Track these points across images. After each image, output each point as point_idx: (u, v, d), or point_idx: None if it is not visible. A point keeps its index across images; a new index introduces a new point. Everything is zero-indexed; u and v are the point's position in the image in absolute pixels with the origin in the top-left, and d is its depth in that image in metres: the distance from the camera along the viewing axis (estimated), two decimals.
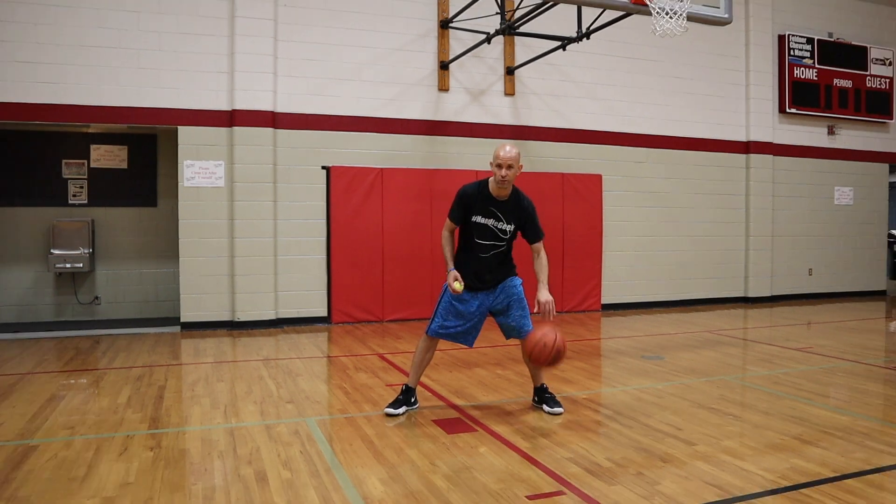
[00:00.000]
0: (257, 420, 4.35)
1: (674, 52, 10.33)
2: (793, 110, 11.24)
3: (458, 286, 4.19)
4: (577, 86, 9.86)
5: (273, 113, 8.32)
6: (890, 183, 12.75)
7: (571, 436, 3.98)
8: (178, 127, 8.06)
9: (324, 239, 8.62)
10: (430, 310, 4.52)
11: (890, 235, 13.43)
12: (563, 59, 9.35)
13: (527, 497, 3.08)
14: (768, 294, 11.20)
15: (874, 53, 11.89)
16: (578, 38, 7.72)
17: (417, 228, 8.85)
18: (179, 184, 8.09)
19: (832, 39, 11.57)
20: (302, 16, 8.48)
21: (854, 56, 11.70)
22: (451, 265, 4.32)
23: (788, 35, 11.16)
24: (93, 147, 8.79)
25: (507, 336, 4.54)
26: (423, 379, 5.24)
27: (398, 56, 8.89)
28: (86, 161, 8.77)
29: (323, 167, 8.58)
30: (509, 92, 9.44)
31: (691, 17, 6.48)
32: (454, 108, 9.19)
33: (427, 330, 4.45)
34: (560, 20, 8.51)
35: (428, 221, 8.86)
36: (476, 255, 4.33)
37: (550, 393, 4.59)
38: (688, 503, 3.01)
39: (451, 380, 5.47)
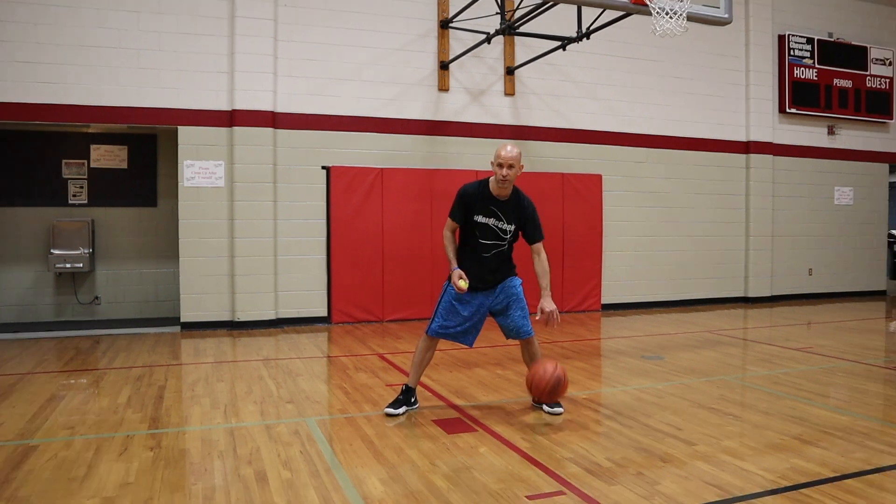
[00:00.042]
0: (257, 420, 4.35)
1: (674, 52, 10.33)
2: (793, 110, 11.24)
3: (463, 284, 4.19)
4: (577, 86, 9.86)
5: (273, 113, 8.33)
6: (890, 183, 12.75)
7: (571, 436, 3.98)
8: (178, 127, 8.06)
9: (324, 239, 8.62)
10: (430, 310, 4.53)
11: (890, 235, 13.43)
12: (563, 59, 9.35)
13: (527, 497, 3.08)
14: (768, 294, 11.20)
15: (874, 53, 11.89)
16: (578, 38, 7.72)
17: (417, 228, 8.85)
18: (179, 184, 8.09)
19: (832, 39, 11.58)
20: (302, 16, 8.48)
21: (854, 56, 11.70)
22: (454, 264, 4.32)
23: (788, 35, 11.16)
24: (93, 147, 8.79)
25: (507, 336, 4.54)
26: (423, 379, 5.24)
27: (398, 56, 8.89)
28: (86, 161, 8.77)
29: (323, 167, 8.58)
30: (509, 92, 9.44)
31: (691, 17, 6.47)
32: (454, 108, 9.19)
33: (427, 330, 4.45)
34: (560, 20, 8.51)
35: (428, 221, 8.86)
36: (478, 254, 4.33)
37: None
38: (688, 503, 3.01)
39: (451, 380, 5.47)
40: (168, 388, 5.23)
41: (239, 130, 8.16)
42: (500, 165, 4.18)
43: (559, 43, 8.23)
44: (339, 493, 3.14)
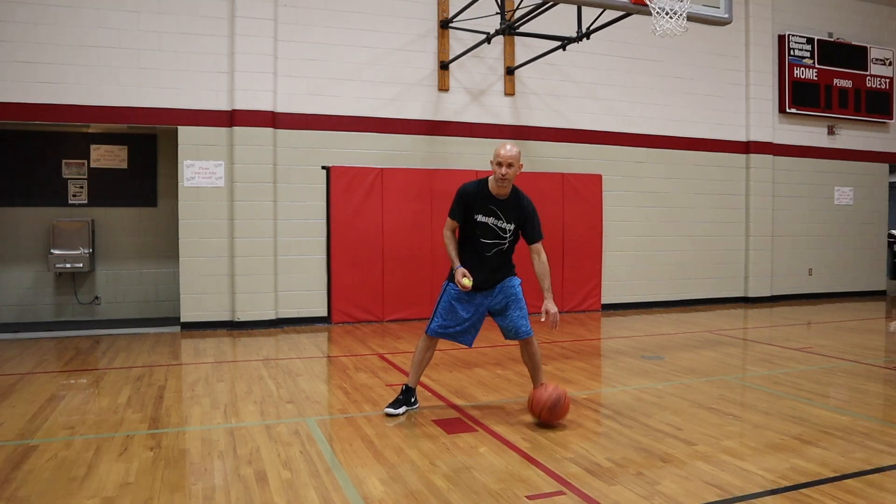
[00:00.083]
0: (257, 420, 4.35)
1: (674, 52, 10.33)
2: (793, 110, 11.24)
3: (467, 282, 4.19)
4: (577, 86, 9.86)
5: (273, 113, 8.33)
6: (890, 183, 12.75)
7: (571, 436, 3.98)
8: (178, 127, 8.06)
9: (324, 239, 8.62)
10: (430, 310, 4.53)
11: (890, 235, 13.43)
12: (563, 59, 9.35)
13: (527, 497, 3.08)
14: (768, 294, 11.21)
15: (874, 53, 11.89)
16: (578, 38, 7.72)
17: (417, 228, 8.85)
18: (179, 184, 8.09)
19: (832, 39, 11.58)
20: (302, 16, 8.48)
21: (854, 56, 11.71)
22: (457, 263, 4.32)
23: (788, 35, 11.16)
24: (93, 147, 8.79)
25: (506, 337, 4.53)
26: (423, 379, 5.24)
27: (398, 56, 8.89)
28: (86, 161, 8.77)
29: (323, 167, 8.58)
30: (509, 92, 9.44)
31: (691, 17, 6.48)
32: (454, 108, 9.19)
33: (426, 330, 4.45)
34: (560, 20, 8.51)
35: (428, 221, 8.86)
36: (479, 253, 4.33)
37: None
38: (688, 503, 3.01)
39: (451, 380, 5.47)
40: (168, 388, 5.23)
41: (239, 130, 8.16)
42: (500, 164, 4.18)
43: (559, 43, 8.23)
44: (339, 493, 3.14)
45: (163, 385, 5.34)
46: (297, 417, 4.42)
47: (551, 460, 3.56)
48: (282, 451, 3.71)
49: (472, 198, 4.29)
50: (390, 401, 4.57)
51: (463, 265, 4.32)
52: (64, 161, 8.69)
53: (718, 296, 10.91)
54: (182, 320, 8.11)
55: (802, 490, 3.13)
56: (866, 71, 11.81)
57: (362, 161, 8.74)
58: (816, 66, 11.40)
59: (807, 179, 11.59)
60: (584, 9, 7.43)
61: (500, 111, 9.43)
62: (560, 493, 3.13)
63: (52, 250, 8.44)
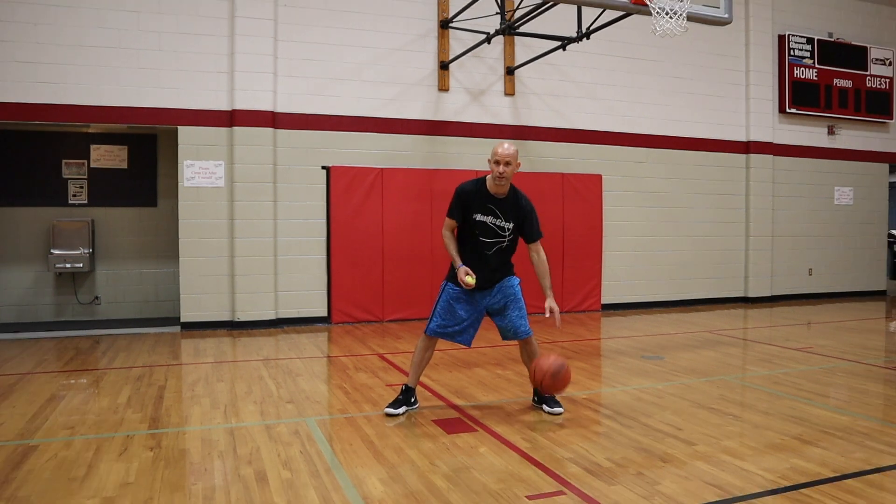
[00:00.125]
0: (257, 420, 4.35)
1: (674, 52, 10.34)
2: (793, 110, 11.24)
3: (470, 280, 4.19)
4: (577, 86, 9.86)
5: (273, 113, 8.33)
6: (890, 183, 12.75)
7: (571, 436, 3.98)
8: (178, 127, 8.06)
9: (324, 239, 8.62)
10: (429, 310, 4.53)
11: (890, 235, 13.43)
12: (563, 59, 9.35)
13: (527, 497, 3.08)
14: (768, 294, 11.21)
15: (874, 53, 11.89)
16: (578, 38, 7.72)
17: (417, 228, 8.85)
18: (179, 184, 8.09)
19: (832, 39, 11.58)
20: (302, 16, 8.48)
21: (854, 56, 11.71)
22: (459, 261, 4.31)
23: (788, 35, 11.16)
24: (93, 147, 8.79)
25: (504, 337, 4.53)
26: (423, 379, 5.24)
27: (398, 56, 8.89)
28: (86, 161, 8.77)
29: (323, 167, 8.58)
30: (509, 92, 9.44)
31: (691, 17, 6.47)
32: (454, 108, 9.19)
33: (425, 330, 4.45)
34: (560, 20, 8.51)
35: (428, 221, 8.86)
36: (479, 252, 4.33)
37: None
38: (688, 503, 3.01)
39: (451, 380, 5.47)
40: (168, 388, 5.23)
41: (239, 130, 8.16)
42: (497, 163, 4.19)
43: (559, 43, 8.23)
44: (339, 493, 3.14)
45: (163, 385, 5.34)
46: (297, 417, 4.42)
47: (551, 460, 3.56)
48: (282, 451, 3.71)
49: (470, 197, 4.29)
50: (390, 401, 4.57)
51: (465, 264, 4.32)
52: (64, 161, 8.69)
53: (718, 296, 10.91)
54: (182, 320, 8.11)
55: (802, 490, 3.13)
56: (866, 71, 11.81)
57: (362, 161, 8.74)
58: (816, 66, 11.40)
59: (807, 179, 11.58)
60: (584, 9, 7.43)
61: (500, 111, 9.43)
62: (560, 493, 3.13)
63: (52, 250, 8.44)
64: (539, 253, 4.42)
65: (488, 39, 8.27)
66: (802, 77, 11.29)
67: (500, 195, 4.30)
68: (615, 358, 6.53)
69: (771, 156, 11.15)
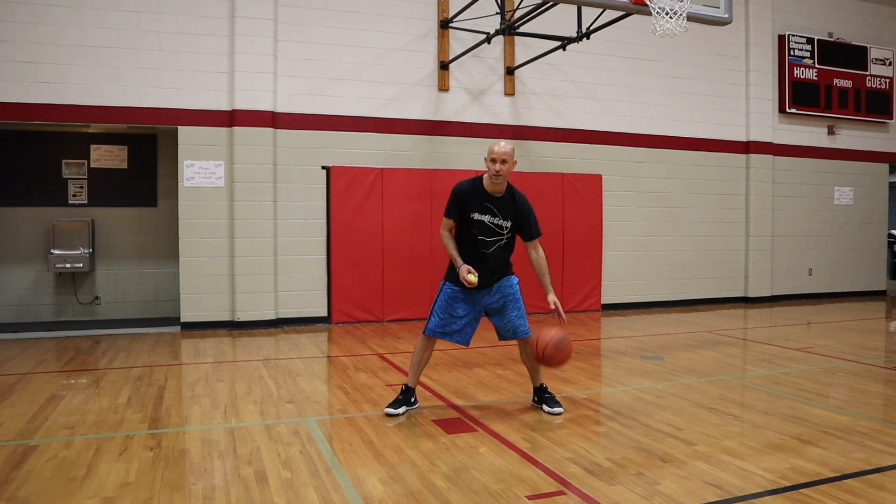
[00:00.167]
0: (257, 420, 4.35)
1: (674, 52, 10.34)
2: (793, 110, 11.25)
3: (472, 278, 4.19)
4: (577, 86, 9.86)
5: (273, 113, 8.33)
6: (890, 183, 12.75)
7: (571, 436, 3.98)
8: (178, 127, 8.06)
9: (324, 239, 8.62)
10: (429, 310, 4.52)
11: (890, 235, 13.43)
12: (563, 59, 9.35)
13: (527, 497, 3.08)
14: (768, 294, 11.21)
15: (874, 53, 11.89)
16: (578, 38, 7.72)
17: (417, 228, 8.85)
18: (179, 184, 8.09)
19: (832, 39, 11.58)
20: (302, 16, 8.48)
21: (854, 56, 11.71)
22: (459, 261, 4.31)
23: (788, 35, 11.16)
24: (93, 147, 8.79)
25: (502, 337, 4.51)
26: (423, 379, 5.24)
27: (398, 56, 8.89)
28: (86, 161, 8.77)
29: (323, 167, 8.58)
30: (509, 92, 9.44)
31: (691, 17, 6.48)
32: (454, 108, 9.19)
33: (424, 330, 4.45)
34: (560, 20, 8.51)
35: (428, 221, 8.86)
36: (478, 251, 4.32)
37: (550, 393, 4.59)
38: (688, 503, 3.01)
39: (451, 380, 5.47)
40: (168, 388, 5.23)
41: (239, 130, 8.16)
42: (493, 161, 4.19)
43: (559, 43, 8.23)
44: (339, 493, 3.14)
45: (163, 385, 5.34)
46: (297, 417, 4.42)
47: (551, 460, 3.56)
48: (282, 451, 3.71)
49: (467, 196, 4.29)
50: (390, 401, 4.57)
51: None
52: (64, 161, 8.69)
53: (718, 296, 10.91)
54: (182, 320, 8.11)
55: (802, 490, 3.13)
56: (866, 71, 11.81)
57: (362, 161, 8.74)
58: (816, 66, 11.40)
59: (807, 179, 11.59)
60: (584, 9, 7.43)
61: (500, 111, 9.43)
62: (560, 493, 3.13)
63: (52, 250, 8.44)
64: (537, 250, 4.43)
65: (488, 39, 8.27)
66: (802, 77, 11.29)
67: (497, 193, 4.31)
68: (615, 358, 6.53)
69: (771, 156, 11.15)
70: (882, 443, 3.83)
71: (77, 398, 4.93)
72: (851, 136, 11.95)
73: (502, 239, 4.35)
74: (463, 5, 8.41)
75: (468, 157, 9.14)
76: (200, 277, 8.13)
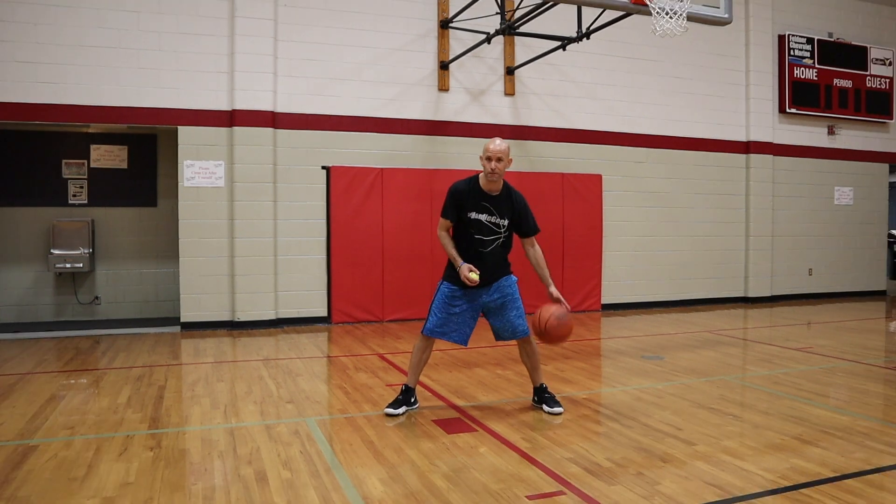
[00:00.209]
0: (257, 420, 4.35)
1: (674, 52, 10.34)
2: (793, 110, 11.25)
3: (474, 276, 4.19)
4: (577, 86, 9.86)
5: (273, 113, 8.33)
6: (890, 183, 12.75)
7: (571, 436, 3.98)
8: (178, 127, 8.06)
9: (324, 239, 8.62)
10: (427, 309, 4.52)
11: (890, 235, 13.43)
12: (563, 59, 9.35)
13: (527, 497, 3.08)
14: (768, 294, 11.21)
15: (874, 53, 11.89)
16: (578, 38, 7.72)
17: (417, 228, 8.85)
18: (179, 184, 8.09)
19: (832, 39, 11.58)
20: (302, 16, 8.48)
21: (854, 56, 11.71)
22: (459, 260, 4.31)
23: (788, 35, 11.16)
24: (93, 147, 8.79)
25: (499, 337, 4.50)
26: (423, 379, 5.25)
27: (398, 56, 8.89)
28: (86, 161, 8.77)
29: (323, 167, 8.58)
30: (509, 92, 9.44)
31: (691, 17, 6.48)
32: (454, 108, 9.19)
33: (422, 330, 4.44)
34: (560, 20, 8.51)
35: (428, 221, 8.86)
36: (476, 250, 4.32)
37: (550, 393, 4.59)
38: (688, 503, 3.01)
39: (451, 380, 5.47)
40: (168, 388, 5.23)
41: (239, 130, 8.16)
42: (489, 159, 4.20)
43: (559, 43, 8.23)
44: (339, 493, 3.14)
45: (163, 385, 5.34)
46: (297, 417, 4.42)
47: (551, 460, 3.56)
48: (282, 451, 3.71)
49: (463, 196, 4.29)
50: (390, 401, 4.57)
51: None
52: (64, 161, 8.69)
53: (718, 296, 10.91)
54: (182, 320, 8.11)
55: (802, 490, 3.13)
56: (866, 71, 11.81)
57: (362, 161, 8.74)
58: (816, 66, 11.40)
59: (807, 179, 11.59)
60: (584, 9, 7.43)
61: (500, 111, 9.43)
62: (560, 493, 3.13)
63: (52, 250, 8.44)
64: (534, 246, 4.45)
65: (488, 39, 8.27)
66: (802, 77, 11.29)
67: (493, 192, 4.31)
68: (615, 358, 6.53)
69: (771, 156, 11.15)
70: (882, 443, 3.83)
71: (77, 398, 4.93)
72: (851, 136, 11.95)
73: (500, 237, 4.36)
74: (463, 5, 8.41)
75: (468, 157, 9.13)
76: (200, 277, 8.13)
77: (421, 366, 4.51)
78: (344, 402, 4.83)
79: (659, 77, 10.35)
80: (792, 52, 11.19)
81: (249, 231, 8.22)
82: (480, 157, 4.27)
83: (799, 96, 11.27)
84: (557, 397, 4.58)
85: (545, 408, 4.49)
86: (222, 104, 8.19)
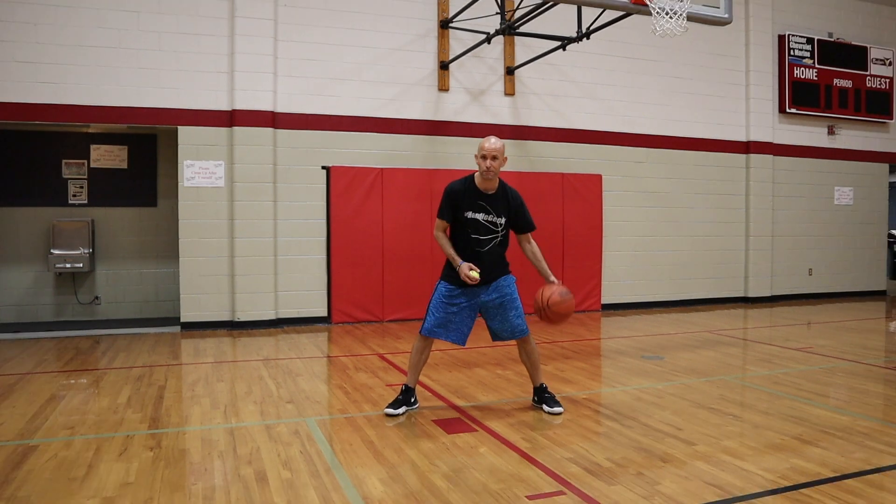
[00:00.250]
0: (257, 420, 4.35)
1: (674, 52, 10.34)
2: (793, 110, 11.25)
3: (475, 274, 4.19)
4: (577, 86, 9.86)
5: (273, 113, 8.33)
6: (890, 183, 12.75)
7: (571, 436, 3.98)
8: (178, 127, 8.06)
9: (324, 239, 8.62)
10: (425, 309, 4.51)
11: (890, 235, 13.43)
12: (563, 59, 9.35)
13: (527, 497, 3.08)
14: (768, 294, 11.21)
15: (874, 53, 11.89)
16: (578, 38, 7.72)
17: (417, 228, 8.85)
18: (179, 184, 8.09)
19: (832, 39, 11.58)
20: (302, 16, 8.48)
21: (854, 56, 11.71)
22: (458, 259, 4.30)
23: (788, 35, 11.16)
24: (93, 147, 8.79)
25: (497, 338, 4.48)
26: (422, 379, 5.25)
27: (398, 56, 8.89)
28: (86, 161, 8.77)
29: (323, 167, 8.58)
30: (509, 92, 9.44)
31: (691, 17, 6.48)
32: (454, 108, 9.19)
33: (420, 330, 4.44)
34: (560, 20, 8.51)
35: (428, 221, 8.85)
36: (473, 250, 4.32)
37: (550, 393, 4.59)
38: (688, 503, 3.01)
39: (451, 380, 5.47)
40: (168, 388, 5.23)
41: (239, 130, 8.16)
42: (484, 157, 4.21)
43: (559, 43, 8.23)
44: (339, 493, 3.14)
45: (163, 385, 5.34)
46: (297, 417, 4.42)
47: (551, 460, 3.56)
48: (282, 451, 3.71)
49: (459, 196, 4.30)
50: (390, 401, 4.57)
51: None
52: (64, 161, 8.69)
53: (718, 296, 10.91)
54: (182, 320, 8.11)
55: (802, 490, 3.13)
56: (866, 71, 11.82)
57: (362, 161, 8.74)
58: (816, 66, 11.40)
59: (807, 179, 11.59)
60: (584, 9, 7.43)
61: (500, 111, 9.43)
62: (560, 493, 3.13)
63: (52, 250, 8.44)
64: (530, 242, 4.47)
65: (488, 39, 8.27)
66: (802, 77, 11.29)
67: (489, 190, 4.32)
68: (615, 358, 6.53)
69: (771, 156, 11.15)
70: (882, 443, 3.83)
71: (77, 398, 4.93)
72: (851, 136, 11.95)
73: (497, 237, 4.36)
74: (463, 5, 8.41)
75: (468, 157, 9.13)
76: (200, 277, 8.13)
77: (420, 366, 4.51)
78: (344, 402, 4.83)
79: (659, 77, 10.35)
80: (792, 52, 11.19)
81: (249, 231, 8.22)
82: (475, 156, 4.28)
83: (799, 96, 11.27)
84: (557, 397, 4.59)
85: (545, 408, 4.49)
86: (222, 104, 8.20)
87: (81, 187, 8.75)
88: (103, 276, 8.86)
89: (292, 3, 8.42)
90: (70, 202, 8.70)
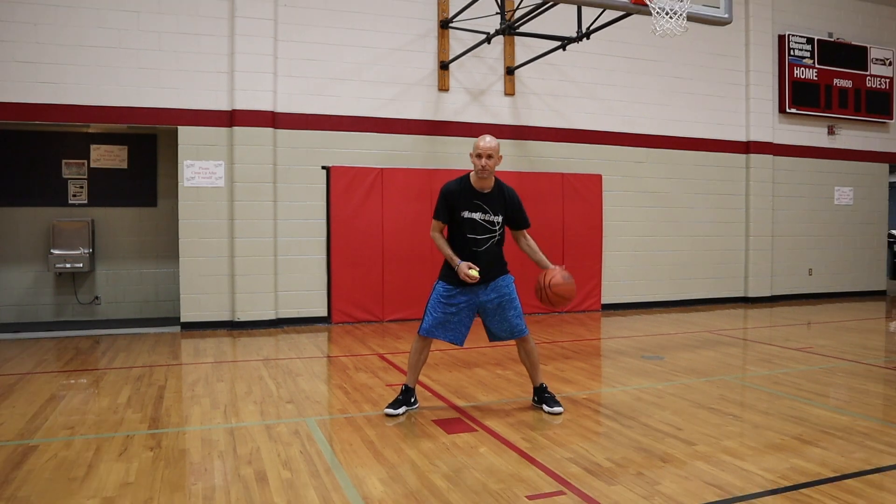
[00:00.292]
0: (257, 420, 4.35)
1: (674, 52, 10.34)
2: (793, 110, 11.25)
3: (475, 273, 4.19)
4: (577, 86, 9.86)
5: (273, 113, 8.33)
6: (890, 183, 12.76)
7: (571, 436, 3.98)
8: (178, 127, 8.06)
9: (324, 239, 8.62)
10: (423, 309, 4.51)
11: (890, 235, 13.43)
12: (563, 59, 9.35)
13: (527, 497, 3.08)
14: (768, 294, 11.21)
15: (874, 53, 11.89)
16: (578, 38, 7.72)
17: (417, 228, 8.84)
18: (179, 184, 8.09)
19: (832, 39, 11.58)
20: (302, 16, 8.48)
21: (854, 56, 11.71)
22: (456, 259, 4.30)
23: (788, 35, 11.16)
24: (93, 147, 8.79)
25: (495, 338, 4.48)
26: (422, 379, 5.25)
27: (398, 56, 8.89)
28: (86, 161, 8.77)
29: (323, 167, 8.59)
30: (509, 92, 9.44)
31: (691, 17, 6.48)
32: (454, 108, 9.19)
33: (419, 330, 4.44)
34: (560, 20, 8.52)
35: (428, 221, 8.71)
36: (471, 250, 4.32)
37: (550, 392, 4.59)
38: (688, 503, 3.01)
39: (451, 380, 5.47)
40: (168, 388, 5.23)
41: (239, 130, 8.16)
42: (479, 156, 4.22)
43: (559, 43, 8.23)
44: (339, 493, 3.14)
45: (163, 385, 5.34)
46: (297, 417, 4.42)
47: (551, 460, 3.56)
48: (282, 451, 3.71)
49: (455, 196, 4.30)
50: (390, 401, 4.57)
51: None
52: (64, 161, 8.69)
53: (718, 296, 10.91)
54: (182, 320, 8.11)
55: (802, 490, 3.13)
56: (866, 71, 11.82)
57: (362, 161, 8.74)
58: (816, 66, 11.40)
59: (807, 179, 11.59)
60: (584, 9, 7.43)
61: (500, 111, 9.43)
62: (560, 493, 3.13)
63: (52, 250, 8.44)
64: (527, 238, 4.49)
65: (488, 39, 8.27)
66: (802, 77, 11.29)
67: (485, 189, 4.32)
68: (615, 358, 6.53)
69: (771, 156, 11.15)
70: (882, 443, 3.83)
71: (77, 398, 4.93)
72: (851, 136, 11.95)
73: (494, 235, 4.36)
74: (463, 5, 8.41)
75: (468, 157, 9.08)
76: (200, 277, 8.13)
77: (419, 366, 4.50)
78: (344, 402, 4.83)
79: (659, 77, 10.35)
80: (792, 52, 11.19)
81: (249, 231, 8.22)
82: (470, 155, 4.29)
83: (799, 96, 11.27)
84: (557, 397, 4.58)
85: (545, 408, 4.49)
86: (222, 104, 8.20)
87: (81, 187, 8.75)
88: (103, 276, 8.86)
89: (292, 3, 8.42)
90: (70, 202, 8.70)
